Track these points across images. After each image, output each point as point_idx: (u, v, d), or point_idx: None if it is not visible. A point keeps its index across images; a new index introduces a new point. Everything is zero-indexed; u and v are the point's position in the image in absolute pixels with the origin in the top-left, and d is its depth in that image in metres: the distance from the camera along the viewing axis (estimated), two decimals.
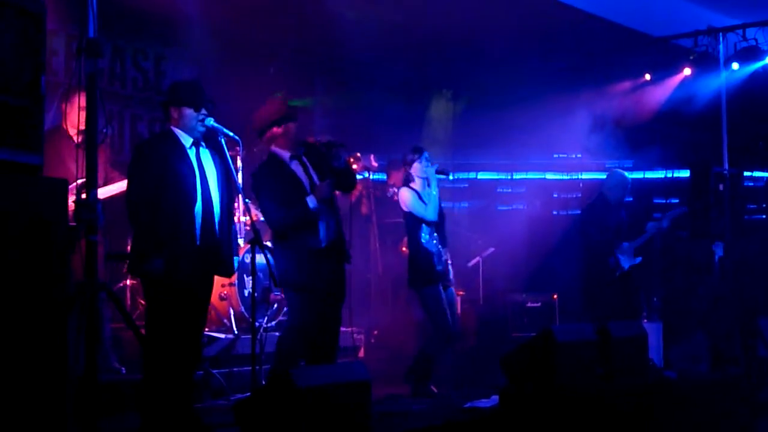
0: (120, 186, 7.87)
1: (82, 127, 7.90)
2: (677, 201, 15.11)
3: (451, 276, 9.45)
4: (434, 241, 9.17)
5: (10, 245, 5.05)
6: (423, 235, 9.13)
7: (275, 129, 7.80)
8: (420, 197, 9.19)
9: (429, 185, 9.25)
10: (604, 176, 11.52)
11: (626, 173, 11.29)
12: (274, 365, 7.66)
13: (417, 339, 10.21)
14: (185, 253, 6.63)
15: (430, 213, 9.11)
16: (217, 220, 6.83)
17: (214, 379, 8.55)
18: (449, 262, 9.38)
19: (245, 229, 9.81)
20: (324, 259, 7.62)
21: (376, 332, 11.31)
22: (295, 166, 7.74)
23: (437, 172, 9.27)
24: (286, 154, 7.74)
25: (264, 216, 7.84)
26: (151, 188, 6.61)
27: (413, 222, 9.21)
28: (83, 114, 6.91)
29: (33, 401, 5.14)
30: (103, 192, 7.87)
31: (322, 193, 7.59)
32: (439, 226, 9.29)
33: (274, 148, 7.82)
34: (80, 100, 7.50)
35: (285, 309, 9.09)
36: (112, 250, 8.84)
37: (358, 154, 9.44)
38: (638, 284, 11.26)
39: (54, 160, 7.87)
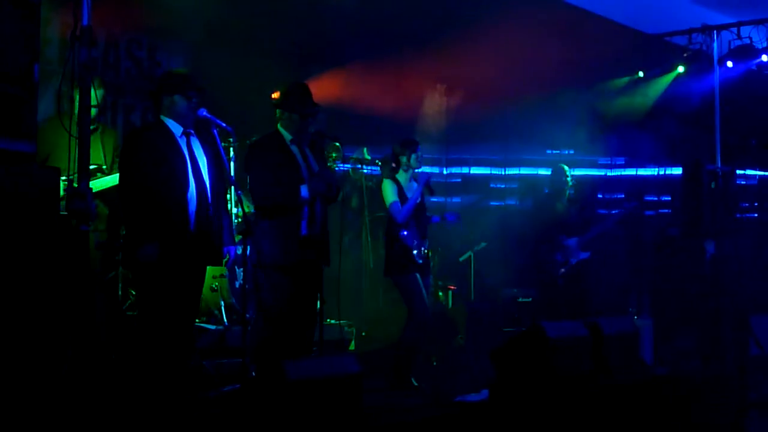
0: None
1: None
2: (669, 198, 15.15)
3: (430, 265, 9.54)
4: (414, 235, 9.18)
5: (2, 233, 5.04)
6: (401, 226, 9.14)
7: (290, 113, 7.71)
8: (402, 190, 9.22)
9: (415, 182, 9.30)
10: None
11: (566, 167, 11.42)
12: (253, 351, 7.63)
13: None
14: (178, 241, 6.62)
15: (401, 215, 9.11)
16: (209, 209, 6.83)
17: (204, 370, 8.53)
18: (428, 253, 9.39)
19: (236, 221, 9.80)
20: (302, 248, 7.54)
21: (366, 326, 11.31)
22: (295, 150, 7.68)
23: (428, 185, 9.30)
24: (288, 136, 7.69)
25: (251, 188, 7.65)
26: (143, 177, 6.60)
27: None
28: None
29: (27, 390, 5.13)
30: (109, 180, 7.90)
31: (317, 187, 7.54)
32: (418, 219, 9.30)
33: (279, 126, 7.76)
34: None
35: None
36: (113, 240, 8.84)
37: (338, 144, 9.40)
38: (589, 279, 11.34)
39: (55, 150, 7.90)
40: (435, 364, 10.24)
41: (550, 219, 11.10)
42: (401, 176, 9.31)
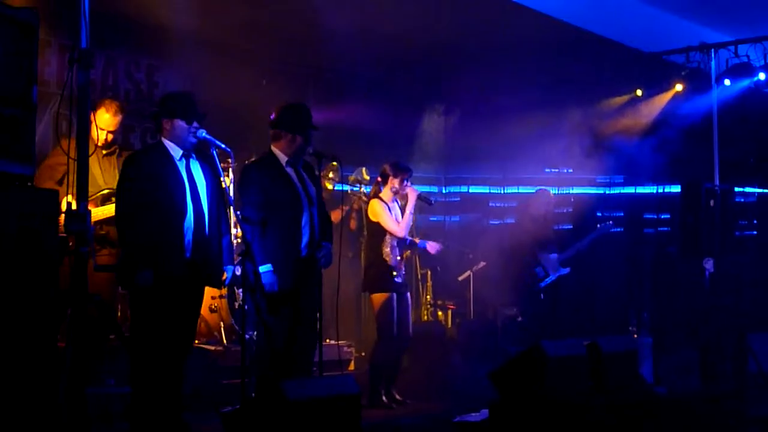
0: None
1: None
2: (668, 216, 15.14)
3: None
4: (397, 255, 9.39)
5: (1, 255, 5.04)
6: (385, 247, 9.36)
7: (285, 133, 7.69)
8: (389, 210, 9.42)
9: (398, 202, 9.54)
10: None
11: (552, 191, 12.07)
12: (254, 366, 7.65)
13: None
14: (175, 266, 6.63)
15: (401, 230, 9.39)
16: (207, 232, 6.83)
17: (203, 390, 8.53)
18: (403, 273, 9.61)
19: (236, 242, 9.81)
20: (299, 268, 7.53)
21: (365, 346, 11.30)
22: (290, 171, 7.66)
23: (421, 198, 9.53)
24: (283, 157, 7.66)
25: (243, 208, 7.57)
26: (140, 201, 6.61)
27: (378, 232, 9.43)
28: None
29: (22, 411, 5.12)
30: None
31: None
32: (399, 239, 9.48)
33: (273, 147, 7.72)
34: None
35: None
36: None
37: (335, 164, 9.44)
38: (565, 296, 11.54)
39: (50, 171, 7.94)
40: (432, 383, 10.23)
41: (527, 236, 11.40)
42: (385, 195, 9.50)
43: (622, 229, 14.91)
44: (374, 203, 9.49)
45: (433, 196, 9.95)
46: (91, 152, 6.19)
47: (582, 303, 13.38)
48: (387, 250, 9.36)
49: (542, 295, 11.30)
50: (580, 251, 11.71)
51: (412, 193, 9.47)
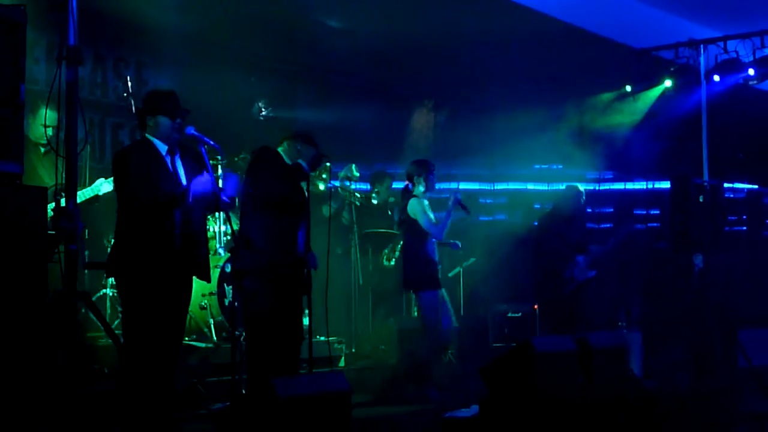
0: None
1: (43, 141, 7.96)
2: (658, 212, 15.17)
3: None
4: (436, 253, 9.62)
5: None
6: (426, 245, 9.53)
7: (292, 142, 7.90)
8: (426, 209, 9.54)
9: (431, 196, 9.71)
10: (561, 187, 11.75)
11: (582, 187, 11.50)
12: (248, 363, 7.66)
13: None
14: (166, 257, 6.64)
15: (439, 232, 9.52)
16: (195, 225, 6.84)
17: (193, 388, 8.51)
18: None
19: (225, 238, 9.82)
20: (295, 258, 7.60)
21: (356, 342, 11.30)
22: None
23: (459, 204, 9.63)
24: (287, 158, 7.80)
25: (257, 190, 7.72)
26: (137, 191, 6.62)
27: (419, 230, 9.53)
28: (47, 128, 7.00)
29: (14, 410, 5.12)
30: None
31: None
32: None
33: (281, 150, 7.90)
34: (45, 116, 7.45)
35: None
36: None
37: (328, 164, 9.46)
38: (590, 298, 11.40)
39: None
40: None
41: (556, 236, 11.13)
42: (420, 193, 9.66)
43: (611, 225, 14.94)
44: (413, 202, 9.59)
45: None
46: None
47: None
48: (428, 248, 9.49)
49: (567, 301, 11.10)
50: (607, 252, 11.54)
51: (452, 197, 9.62)
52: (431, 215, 9.53)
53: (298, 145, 7.88)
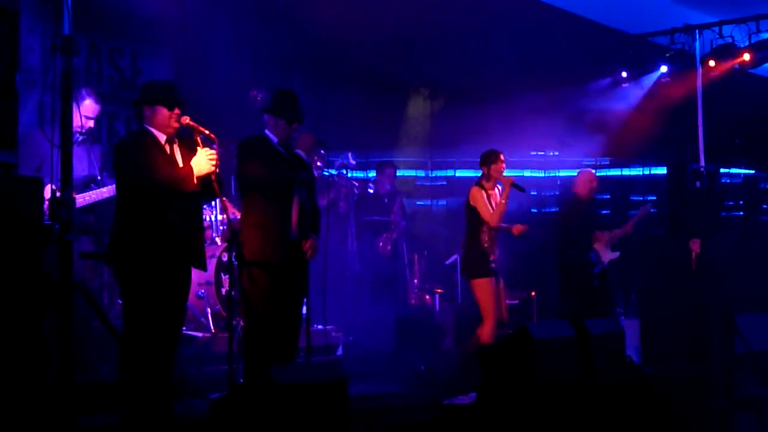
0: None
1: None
2: (654, 198, 15.18)
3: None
4: (494, 241, 9.67)
5: None
6: (482, 233, 9.61)
7: (275, 118, 7.71)
8: (488, 198, 9.63)
9: (501, 186, 9.72)
10: (575, 173, 11.72)
11: (593, 172, 11.54)
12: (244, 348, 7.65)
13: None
14: (165, 247, 6.64)
15: (494, 219, 9.57)
16: (193, 214, 6.85)
17: (191, 377, 8.51)
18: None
19: (221, 228, 9.81)
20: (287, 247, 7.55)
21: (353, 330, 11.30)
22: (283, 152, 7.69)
23: (514, 186, 9.64)
24: (275, 139, 7.68)
25: (245, 175, 7.61)
26: (141, 177, 6.63)
27: (476, 218, 9.65)
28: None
29: (10, 400, 5.11)
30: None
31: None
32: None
33: (267, 131, 7.72)
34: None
35: None
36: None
37: (322, 152, 9.44)
38: (613, 279, 11.42)
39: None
40: (423, 368, 10.22)
41: (575, 220, 11.17)
42: (486, 183, 9.76)
43: (608, 212, 14.94)
44: (474, 190, 9.71)
45: (419, 180, 9.94)
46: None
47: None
48: (485, 236, 9.57)
49: (596, 282, 11.15)
50: (627, 233, 11.55)
51: (505, 181, 9.63)
52: (487, 202, 9.62)
53: (271, 119, 7.75)
